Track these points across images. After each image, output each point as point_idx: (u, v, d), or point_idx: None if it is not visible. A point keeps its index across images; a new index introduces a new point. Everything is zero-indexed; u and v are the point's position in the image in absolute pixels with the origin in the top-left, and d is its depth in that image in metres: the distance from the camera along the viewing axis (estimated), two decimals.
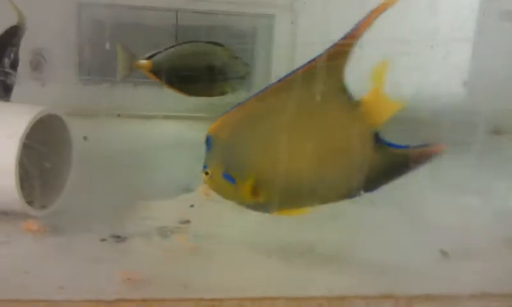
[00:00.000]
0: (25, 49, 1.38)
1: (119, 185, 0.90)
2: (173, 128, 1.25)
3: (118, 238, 0.73)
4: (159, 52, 1.09)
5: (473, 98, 1.39)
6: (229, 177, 0.64)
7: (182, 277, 0.64)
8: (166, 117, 1.27)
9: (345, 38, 0.60)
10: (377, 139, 0.61)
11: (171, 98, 1.12)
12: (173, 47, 1.11)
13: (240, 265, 0.70)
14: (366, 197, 0.65)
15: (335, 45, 0.60)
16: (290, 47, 1.43)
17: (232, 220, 0.79)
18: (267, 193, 0.63)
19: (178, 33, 1.46)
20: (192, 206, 0.85)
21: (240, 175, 0.63)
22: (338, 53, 0.59)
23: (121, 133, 1.14)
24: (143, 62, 1.08)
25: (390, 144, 0.61)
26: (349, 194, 0.63)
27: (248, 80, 1.18)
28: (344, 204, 0.84)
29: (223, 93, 1.13)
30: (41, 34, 1.35)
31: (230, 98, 1.15)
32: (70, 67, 1.42)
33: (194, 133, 1.11)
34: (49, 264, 0.67)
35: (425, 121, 1.10)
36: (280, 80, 0.61)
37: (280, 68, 1.41)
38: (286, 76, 0.60)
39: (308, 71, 0.60)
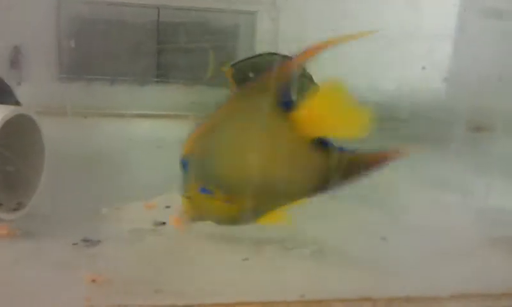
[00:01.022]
0: (3, 46, 1.36)
1: (93, 186, 0.87)
2: (151, 126, 1.22)
3: (89, 241, 0.70)
4: (243, 60, 1.07)
5: (453, 94, 1.38)
6: (206, 190, 0.65)
7: (155, 282, 0.62)
8: (144, 115, 1.24)
9: (288, 62, 0.65)
10: (322, 144, 0.64)
11: (149, 96, 1.09)
12: (254, 57, 1.08)
13: (215, 267, 0.67)
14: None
15: (281, 66, 0.65)
16: (273, 43, 1.42)
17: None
18: (240, 199, 0.65)
19: (159, 30, 1.44)
20: (168, 207, 0.83)
21: (215, 186, 0.65)
22: (284, 73, 0.64)
23: (97, 132, 1.11)
24: (227, 68, 1.05)
25: (338, 148, 0.64)
26: (307, 194, 0.66)
27: None
28: (324, 203, 0.82)
29: None
30: (19, 30, 1.32)
31: (208, 97, 1.13)
32: (48, 64, 1.39)
33: (172, 132, 1.08)
34: (18, 270, 0.64)
35: (405, 119, 1.09)
36: (235, 93, 0.67)
37: None
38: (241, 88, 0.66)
39: (258, 86, 0.66)
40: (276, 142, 0.64)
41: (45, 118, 0.81)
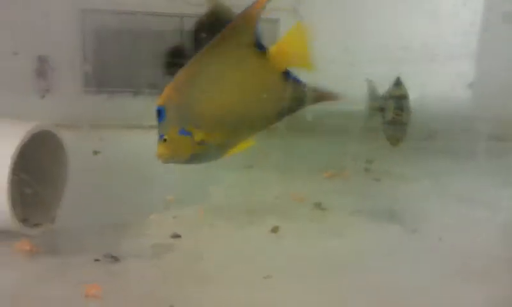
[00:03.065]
0: (28, 56, 1.36)
1: (115, 200, 0.87)
2: None
3: (112, 257, 0.69)
4: None
5: (478, 100, 1.34)
6: (185, 132, 0.72)
7: (172, 299, 0.61)
8: None
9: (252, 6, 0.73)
10: (287, 77, 0.75)
11: None
12: None
13: (233, 285, 0.66)
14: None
15: (244, 12, 0.73)
16: None
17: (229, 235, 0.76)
18: (217, 134, 0.73)
19: (183, 38, 1.43)
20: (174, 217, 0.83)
21: (194, 126, 0.72)
22: (248, 17, 0.73)
23: (119, 144, 1.11)
24: None
25: (295, 79, 0.75)
26: (272, 121, 0.77)
27: None
28: (344, 217, 0.80)
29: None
30: (44, 41, 1.33)
31: None
32: (73, 76, 1.38)
33: None
34: (41, 287, 0.64)
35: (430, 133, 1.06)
36: (209, 43, 0.73)
37: None
38: (213, 39, 0.73)
39: (227, 32, 0.73)
40: (252, 77, 0.74)
41: (68, 131, 0.81)
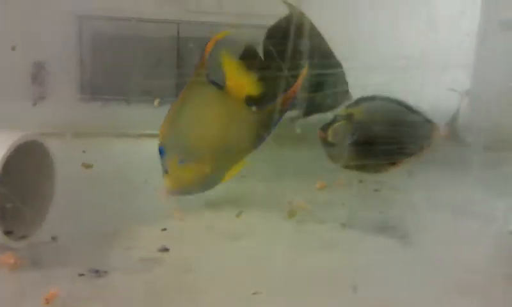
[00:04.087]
0: (25, 62, 1.34)
1: (102, 210, 0.85)
2: None
3: (97, 272, 0.67)
4: None
5: (474, 109, 1.32)
6: (184, 161, 0.80)
7: None
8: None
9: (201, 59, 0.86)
10: (249, 104, 0.86)
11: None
12: None
13: (222, 302, 0.64)
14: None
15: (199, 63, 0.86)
16: None
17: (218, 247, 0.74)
18: (207, 163, 0.81)
19: (180, 45, 1.41)
20: (164, 229, 0.81)
21: (190, 156, 0.81)
22: (200, 65, 0.86)
23: (111, 152, 1.09)
24: None
25: (258, 105, 0.86)
26: (253, 146, 0.87)
27: None
28: (336, 230, 0.78)
29: None
30: (40, 46, 1.31)
31: None
32: (69, 82, 1.37)
33: None
34: (21, 303, 0.61)
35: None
36: (185, 85, 0.85)
37: None
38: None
39: (195, 76, 0.86)
40: (218, 111, 0.85)
41: (58, 139, 0.79)
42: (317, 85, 1.10)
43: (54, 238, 0.75)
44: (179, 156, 0.80)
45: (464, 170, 0.97)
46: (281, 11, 1.15)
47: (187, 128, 0.82)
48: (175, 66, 1.43)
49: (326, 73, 1.14)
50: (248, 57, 1.09)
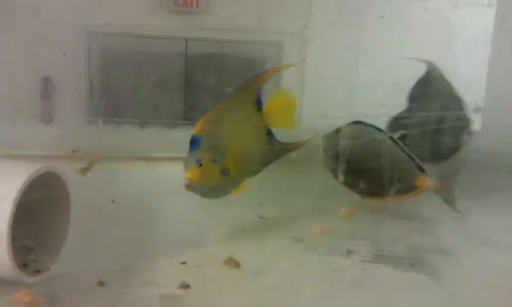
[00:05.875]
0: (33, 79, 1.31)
1: (119, 241, 0.80)
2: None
3: None
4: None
5: (487, 124, 1.29)
6: (215, 160, 0.82)
7: None
8: (172, 159, 1.17)
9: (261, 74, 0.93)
10: (269, 135, 0.94)
11: (177, 139, 1.02)
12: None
13: None
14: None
15: (254, 78, 0.92)
16: (299, 74, 1.36)
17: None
18: (233, 168, 0.85)
19: (188, 61, 1.39)
20: (184, 263, 0.77)
21: (221, 157, 0.83)
22: (256, 82, 0.92)
23: (124, 176, 1.05)
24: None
25: (277, 140, 0.94)
26: (259, 168, 0.93)
27: None
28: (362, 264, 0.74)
29: None
30: (50, 63, 1.28)
31: None
32: (78, 105, 1.33)
33: None
34: None
35: None
36: (229, 95, 0.93)
37: None
38: (231, 92, 0.93)
39: (241, 89, 0.92)
40: (251, 128, 0.92)
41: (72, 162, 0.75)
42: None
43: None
44: (214, 153, 0.82)
45: (490, 195, 0.93)
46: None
47: (226, 134, 0.85)
48: (183, 84, 1.40)
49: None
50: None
